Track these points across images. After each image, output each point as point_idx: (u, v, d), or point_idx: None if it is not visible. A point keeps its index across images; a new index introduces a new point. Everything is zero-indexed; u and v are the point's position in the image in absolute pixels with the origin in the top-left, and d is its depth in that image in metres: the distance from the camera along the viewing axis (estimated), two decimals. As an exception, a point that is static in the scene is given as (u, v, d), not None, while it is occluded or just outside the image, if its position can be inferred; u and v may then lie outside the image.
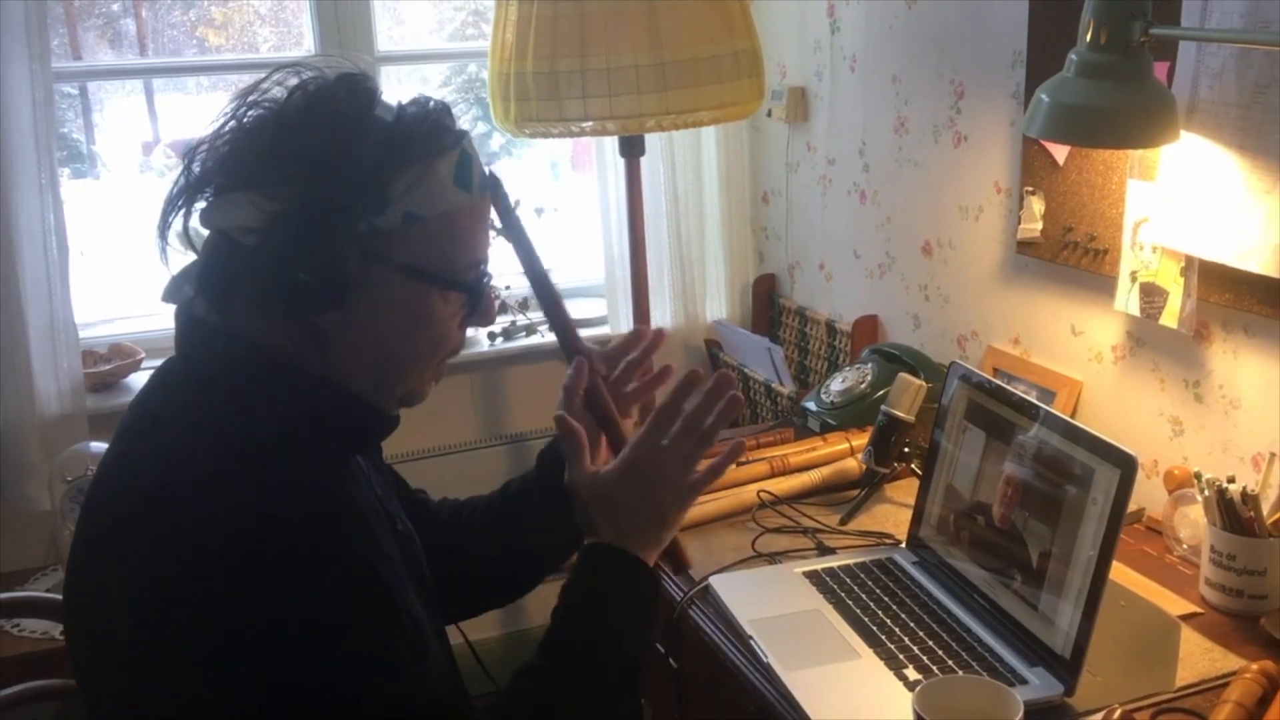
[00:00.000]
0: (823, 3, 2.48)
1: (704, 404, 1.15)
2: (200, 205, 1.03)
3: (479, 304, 1.10)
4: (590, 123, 2.11)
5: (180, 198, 1.03)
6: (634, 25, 2.03)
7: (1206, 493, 1.49)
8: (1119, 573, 1.57)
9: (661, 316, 2.79)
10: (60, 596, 1.51)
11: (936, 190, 2.20)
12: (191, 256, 1.07)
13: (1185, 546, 1.63)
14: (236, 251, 1.00)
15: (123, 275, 2.89)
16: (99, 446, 2.32)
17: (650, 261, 2.56)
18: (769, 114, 2.66)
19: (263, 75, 1.04)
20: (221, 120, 1.03)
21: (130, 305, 2.78)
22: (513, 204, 1.16)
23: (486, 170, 1.10)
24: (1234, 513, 1.47)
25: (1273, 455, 1.54)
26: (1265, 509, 1.47)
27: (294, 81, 1.02)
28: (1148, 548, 1.68)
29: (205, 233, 1.06)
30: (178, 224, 1.05)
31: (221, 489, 0.96)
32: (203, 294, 1.03)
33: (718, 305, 2.89)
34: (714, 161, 2.77)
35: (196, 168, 1.02)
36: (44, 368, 2.35)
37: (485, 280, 1.10)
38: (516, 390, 2.87)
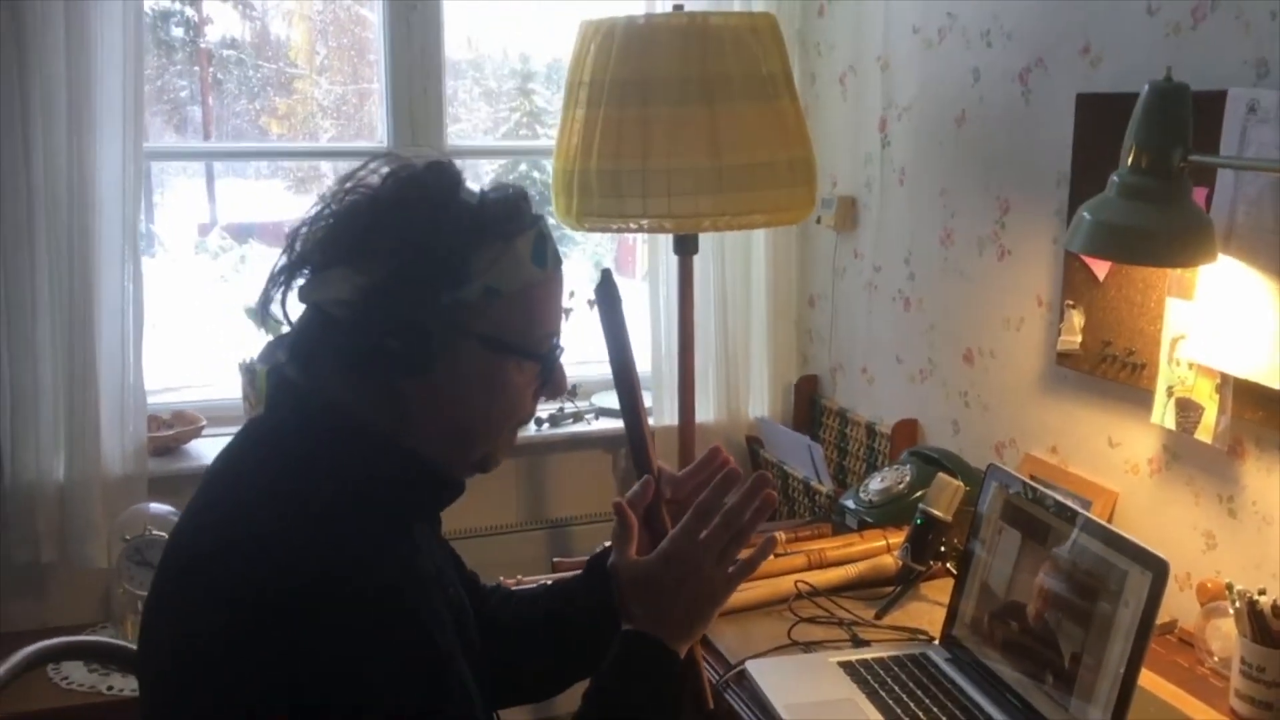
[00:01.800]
0: (875, 118, 2.59)
1: (741, 501, 1.19)
2: (299, 282, 1.11)
3: (552, 375, 1.17)
4: (648, 220, 2.20)
5: (282, 274, 1.11)
6: (695, 131, 2.14)
7: (1238, 604, 1.53)
8: (1150, 681, 1.59)
9: (705, 412, 2.85)
10: (111, 642, 1.59)
11: (980, 300, 2.28)
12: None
13: (1216, 659, 1.65)
14: (329, 323, 1.08)
15: (179, 346, 3.01)
16: (158, 508, 2.40)
17: (697, 357, 2.63)
18: (818, 221, 2.75)
19: (359, 165, 1.13)
20: (321, 205, 1.12)
21: (190, 374, 2.89)
22: (621, 309, 1.26)
23: (604, 270, 1.20)
24: (1265, 625, 1.50)
25: (1304, 571, 1.57)
26: (1296, 624, 1.50)
27: (387, 170, 1.11)
28: (1180, 659, 1.70)
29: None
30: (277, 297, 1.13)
31: (285, 546, 1.01)
32: (295, 360, 1.11)
33: (760, 403, 2.95)
34: (763, 264, 2.87)
35: (298, 247, 1.11)
36: (111, 430, 2.44)
37: (558, 352, 1.17)
38: (559, 476, 2.93)
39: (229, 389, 2.75)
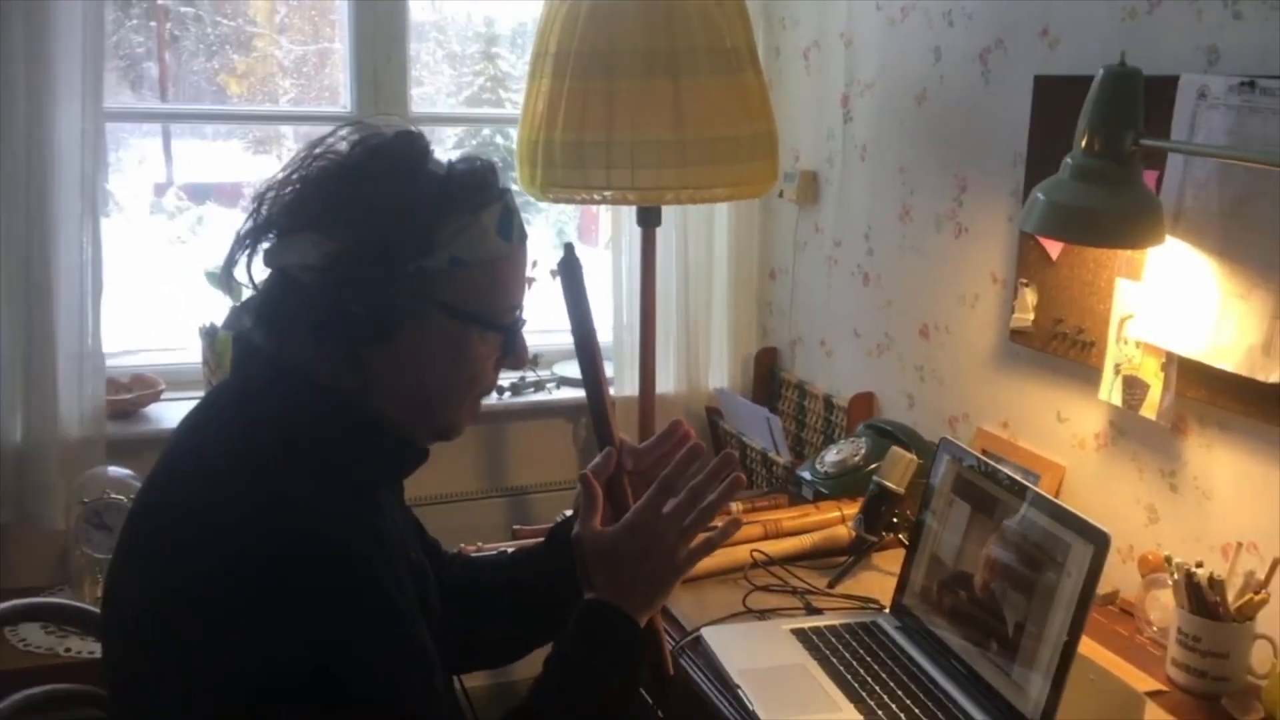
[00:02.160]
0: (838, 94, 2.61)
1: (707, 478, 1.22)
2: (264, 245, 1.12)
3: (513, 345, 1.19)
4: (611, 192, 2.22)
5: (249, 237, 1.12)
6: (659, 104, 2.15)
7: (1176, 577, 1.58)
8: (1091, 649, 1.65)
9: (665, 382, 2.88)
10: (69, 604, 1.60)
11: (936, 277, 2.31)
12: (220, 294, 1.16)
13: (1155, 628, 1.71)
14: (295, 288, 1.10)
15: (136, 309, 2.96)
16: (117, 471, 2.40)
17: (658, 328, 2.66)
18: (780, 194, 2.78)
19: (328, 131, 1.14)
20: (289, 169, 1.13)
21: (148, 337, 2.87)
22: (584, 284, 1.28)
23: (566, 245, 1.23)
24: (1201, 597, 1.55)
25: (1240, 545, 1.63)
26: (1230, 595, 1.55)
27: (357, 137, 1.12)
28: (1120, 628, 1.75)
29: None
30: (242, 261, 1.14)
31: (256, 506, 1.04)
32: (261, 325, 1.12)
33: (720, 374, 2.98)
34: (725, 237, 2.89)
35: (264, 211, 1.12)
36: (69, 392, 2.43)
37: (520, 324, 1.20)
38: (520, 444, 2.95)
39: (188, 353, 2.75)
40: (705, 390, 2.97)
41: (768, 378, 2.97)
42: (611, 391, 2.86)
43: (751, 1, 2.49)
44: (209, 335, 2.62)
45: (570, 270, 1.27)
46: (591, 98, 2.17)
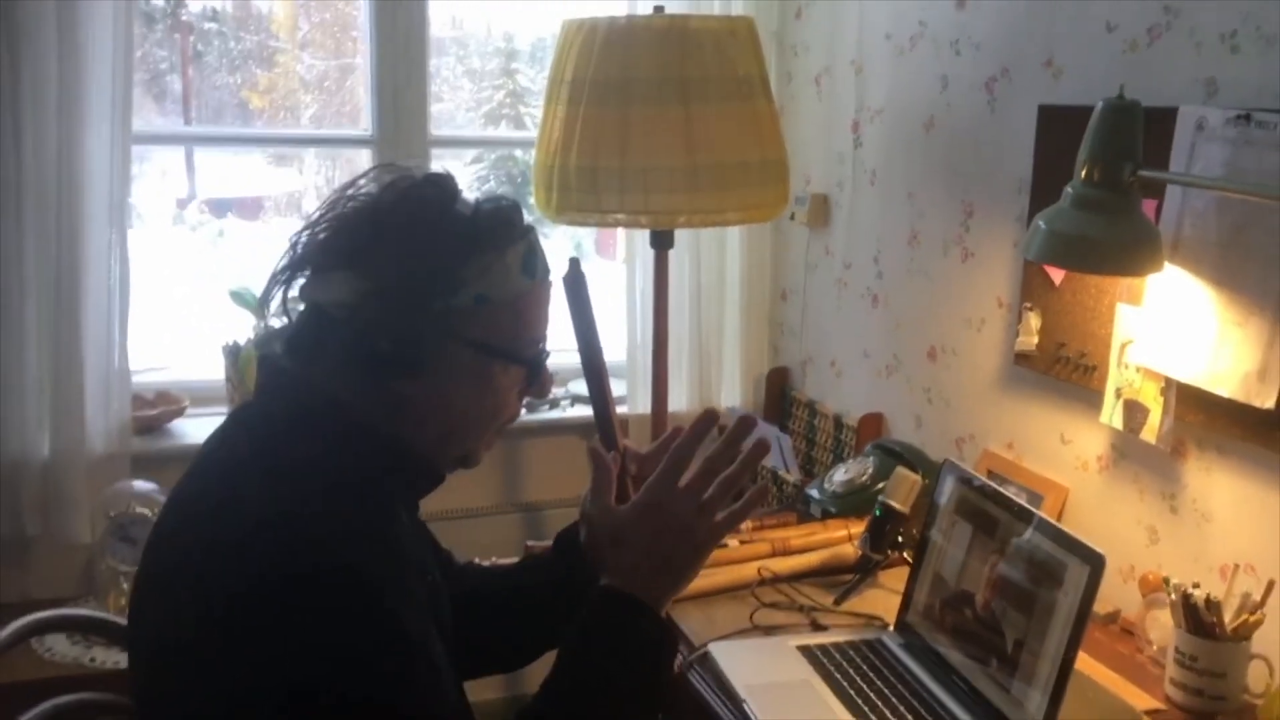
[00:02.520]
0: (848, 120, 2.66)
1: (724, 446, 1.18)
2: (299, 280, 1.17)
3: (537, 378, 1.24)
4: (625, 215, 2.27)
5: (284, 273, 1.18)
6: (672, 131, 2.20)
7: (1174, 597, 1.61)
8: (1091, 667, 1.68)
9: (678, 401, 2.93)
10: (97, 615, 1.64)
11: (943, 300, 2.36)
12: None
13: (1155, 647, 1.74)
14: (327, 322, 1.14)
15: (158, 323, 3.01)
16: (142, 486, 2.46)
17: (670, 347, 2.70)
18: (791, 217, 2.82)
19: (360, 174, 1.20)
20: (322, 210, 1.18)
21: (170, 352, 2.92)
22: (589, 297, 1.31)
23: (571, 259, 1.26)
24: (1198, 617, 1.59)
25: (1237, 567, 1.66)
26: (1227, 616, 1.59)
27: (387, 179, 1.17)
28: (1121, 647, 1.79)
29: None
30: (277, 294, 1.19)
31: (277, 526, 1.06)
32: (291, 353, 1.17)
33: (732, 393, 3.03)
34: (737, 258, 2.94)
35: (300, 248, 1.17)
36: (96, 408, 2.49)
37: (544, 356, 1.24)
38: (535, 461, 3.00)
39: (212, 370, 2.80)
40: (718, 409, 3.01)
41: (779, 397, 3.02)
42: (624, 410, 2.93)
43: (764, 28, 2.55)
44: (232, 354, 2.68)
45: (575, 283, 1.31)
46: (606, 124, 2.23)
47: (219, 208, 3.36)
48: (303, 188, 3.40)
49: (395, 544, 1.18)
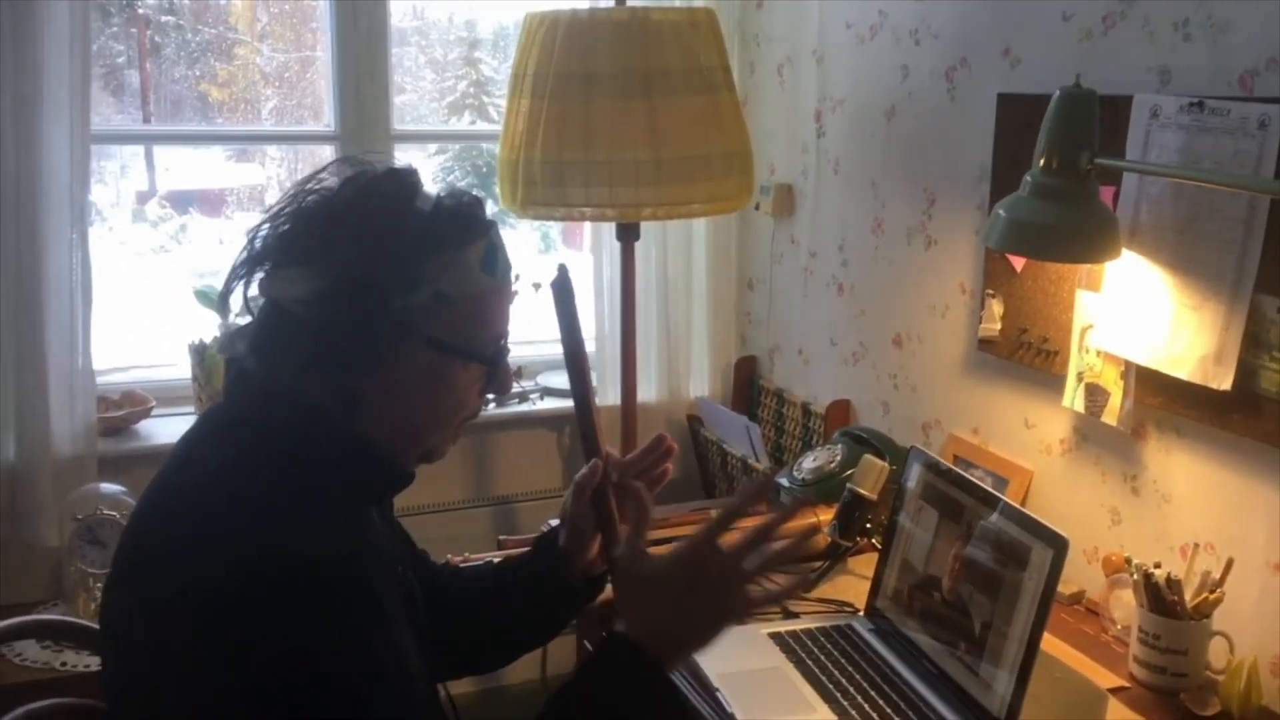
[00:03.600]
0: (810, 109, 2.68)
1: (781, 517, 1.14)
2: (259, 275, 1.17)
3: (497, 375, 1.24)
4: (590, 209, 2.28)
5: (243, 268, 1.17)
6: (636, 124, 2.21)
7: (1136, 577, 1.65)
8: (1056, 647, 1.72)
9: (647, 391, 2.94)
10: (68, 620, 1.64)
11: (908, 287, 2.38)
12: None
13: (1119, 627, 1.78)
14: (287, 319, 1.14)
15: (122, 321, 2.98)
16: (109, 487, 2.45)
17: (639, 339, 2.72)
18: (756, 207, 2.84)
19: (321, 167, 1.20)
20: (281, 204, 1.18)
21: (135, 350, 2.90)
22: (574, 303, 1.32)
23: (560, 266, 1.26)
24: (1159, 596, 1.62)
25: (1196, 546, 1.69)
26: (1188, 595, 1.62)
27: (348, 173, 1.17)
28: (1085, 627, 1.82)
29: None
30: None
31: (243, 534, 1.06)
32: (254, 353, 1.17)
33: (701, 383, 3.05)
34: (703, 249, 2.95)
35: (259, 243, 1.17)
36: (61, 410, 2.48)
37: (504, 354, 1.24)
38: (504, 454, 3.01)
39: (178, 369, 2.79)
40: (686, 399, 3.03)
41: (747, 386, 3.04)
42: (596, 401, 2.94)
43: (726, 18, 2.56)
44: (198, 352, 2.66)
45: (563, 290, 1.32)
46: (570, 118, 2.23)
47: (180, 202, 3.32)
48: (265, 181, 3.38)
49: (364, 543, 1.18)
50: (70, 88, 2.38)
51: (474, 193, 1.21)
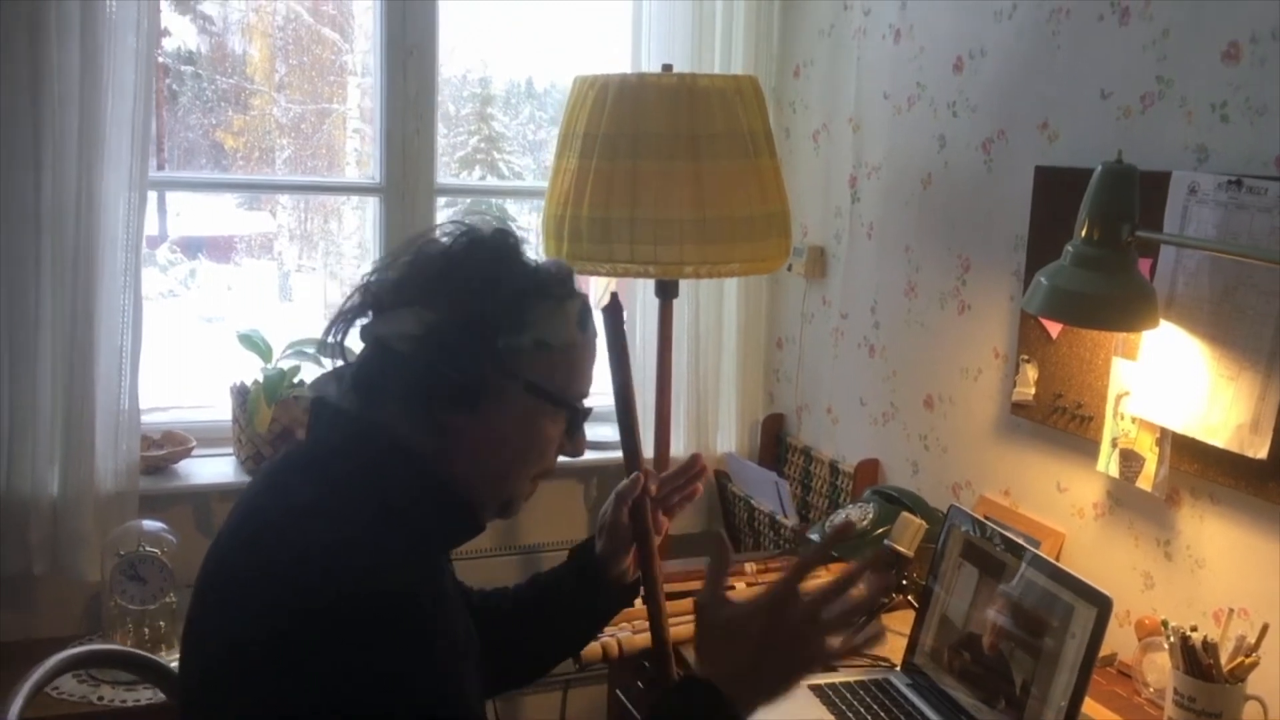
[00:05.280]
0: (845, 175, 2.75)
1: (861, 566, 1.17)
2: (362, 321, 1.23)
3: (576, 433, 1.29)
4: (634, 265, 2.34)
5: (351, 312, 1.23)
6: (681, 185, 2.28)
7: (1172, 639, 1.68)
8: (1091, 708, 1.74)
9: (676, 446, 2.98)
10: (132, 651, 1.67)
11: (940, 350, 2.44)
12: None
13: (1152, 689, 1.81)
14: (390, 356, 1.19)
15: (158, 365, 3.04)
16: (150, 524, 2.49)
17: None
18: (789, 268, 2.90)
19: (432, 225, 1.27)
20: (394, 254, 1.25)
21: (169, 393, 2.95)
22: (624, 326, 1.44)
23: (612, 293, 1.37)
24: (1195, 659, 1.65)
25: (1231, 611, 1.73)
26: (1223, 658, 1.65)
27: (460, 230, 1.24)
28: (1119, 689, 1.85)
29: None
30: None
31: (324, 566, 1.10)
32: (353, 391, 1.22)
33: (728, 438, 3.09)
34: (734, 307, 3.02)
35: (370, 289, 1.23)
36: (106, 448, 2.52)
37: (587, 413, 1.29)
38: (532, 504, 2.93)
39: (216, 411, 2.84)
40: (714, 454, 3.07)
41: (773, 443, 3.08)
42: (621, 454, 2.97)
43: (763, 84, 2.63)
44: (240, 394, 2.71)
45: (614, 314, 1.42)
46: (617, 177, 2.30)
47: (190, 248, 3.37)
48: (275, 229, 3.44)
49: (436, 581, 1.23)
50: (132, 130, 2.46)
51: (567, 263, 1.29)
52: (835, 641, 1.15)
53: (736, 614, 1.17)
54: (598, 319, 1.33)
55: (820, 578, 1.19)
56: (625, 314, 1.44)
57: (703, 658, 1.18)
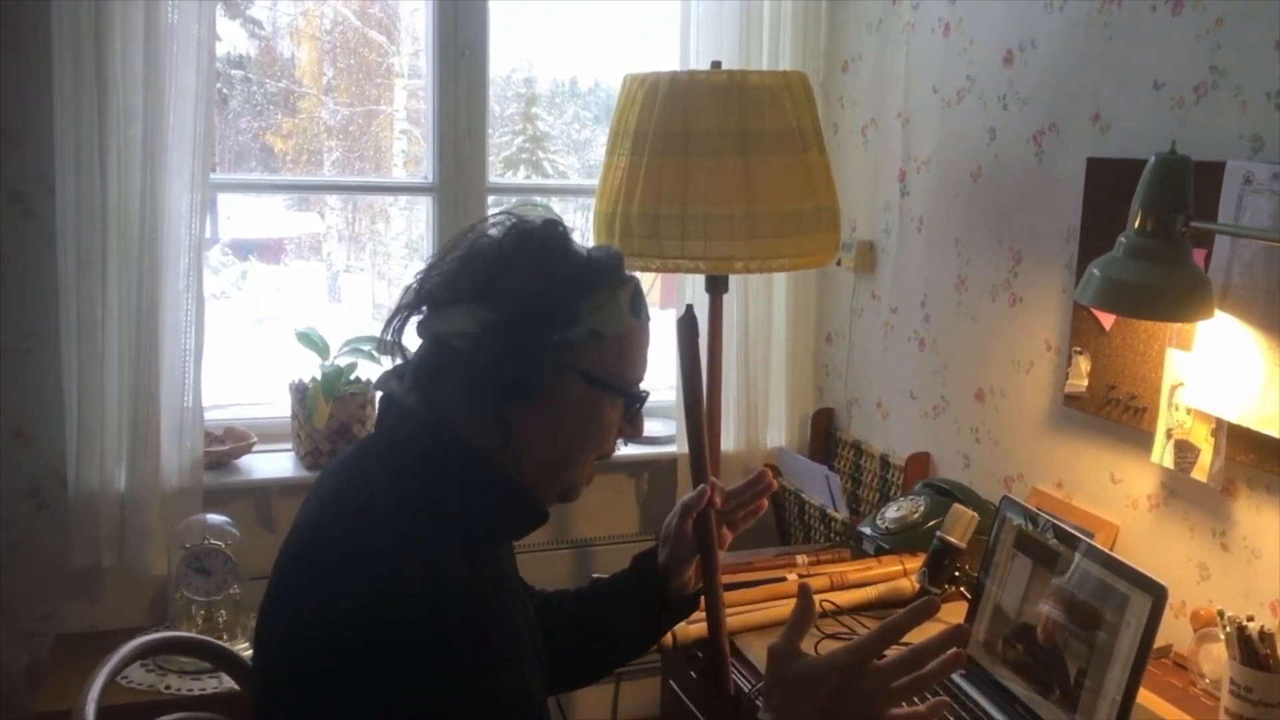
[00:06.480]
0: (894, 169, 2.76)
1: (934, 641, 1.14)
2: (417, 317, 1.26)
3: (635, 417, 1.32)
4: (684, 261, 2.36)
5: (406, 309, 1.26)
6: (731, 181, 2.30)
7: (1228, 630, 1.68)
8: (1147, 699, 1.74)
9: (726, 440, 3.01)
10: (207, 640, 1.72)
11: (991, 343, 2.44)
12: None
13: (1208, 680, 1.80)
14: (448, 353, 1.22)
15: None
16: (215, 518, 2.55)
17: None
18: (838, 263, 2.91)
19: (481, 219, 1.29)
20: (445, 251, 1.27)
21: (234, 392, 3.03)
22: (698, 339, 1.45)
23: (688, 305, 1.36)
24: (1252, 649, 1.65)
25: (1289, 601, 1.72)
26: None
27: (510, 223, 1.26)
28: (1174, 680, 1.85)
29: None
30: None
31: (390, 566, 1.13)
32: (416, 387, 1.25)
33: (778, 433, 3.11)
34: (784, 302, 3.03)
35: (427, 285, 1.25)
36: (170, 444, 2.59)
37: (645, 395, 1.31)
38: (584, 498, 2.98)
39: (275, 408, 2.90)
40: (764, 448, 3.09)
41: (824, 437, 3.09)
42: (675, 449, 2.99)
43: (811, 80, 2.64)
44: (299, 391, 2.77)
45: (688, 327, 1.43)
46: (668, 174, 2.32)
47: (241, 250, 3.44)
48: (324, 231, 3.49)
49: (498, 578, 1.26)
50: (194, 138, 2.52)
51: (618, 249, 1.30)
52: (899, 712, 1.13)
53: (809, 672, 1.16)
54: (654, 312, 1.35)
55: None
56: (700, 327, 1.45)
57: (769, 707, 1.18)
